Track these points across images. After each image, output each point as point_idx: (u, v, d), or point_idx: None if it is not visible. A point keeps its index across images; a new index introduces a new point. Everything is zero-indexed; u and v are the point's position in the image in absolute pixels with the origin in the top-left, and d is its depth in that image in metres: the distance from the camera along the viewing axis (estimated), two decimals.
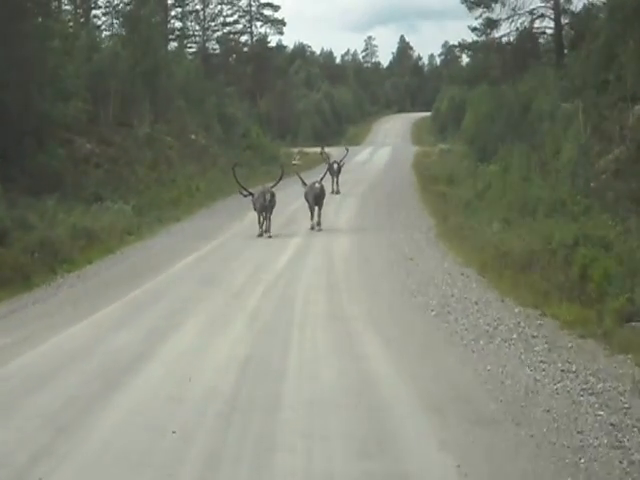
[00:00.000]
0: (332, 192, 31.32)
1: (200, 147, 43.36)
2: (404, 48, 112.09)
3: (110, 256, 19.72)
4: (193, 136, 44.07)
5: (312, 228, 23.45)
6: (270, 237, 22.06)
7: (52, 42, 30.34)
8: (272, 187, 23.00)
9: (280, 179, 23.94)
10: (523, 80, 37.99)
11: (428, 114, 79.61)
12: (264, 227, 22.42)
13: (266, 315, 12.88)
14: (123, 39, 41.84)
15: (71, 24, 42.07)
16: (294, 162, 26.73)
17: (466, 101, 50.54)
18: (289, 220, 25.62)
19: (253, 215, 24.02)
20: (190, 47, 58.65)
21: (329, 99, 69.31)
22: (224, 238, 22.46)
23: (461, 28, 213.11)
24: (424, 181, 35.84)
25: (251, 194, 23.10)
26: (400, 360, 10.19)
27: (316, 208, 23.58)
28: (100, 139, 34.02)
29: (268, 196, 22.43)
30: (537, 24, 37.15)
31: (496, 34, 37.70)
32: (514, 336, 11.20)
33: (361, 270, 17.15)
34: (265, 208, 22.40)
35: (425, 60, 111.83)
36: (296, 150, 29.21)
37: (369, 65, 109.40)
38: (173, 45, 54.68)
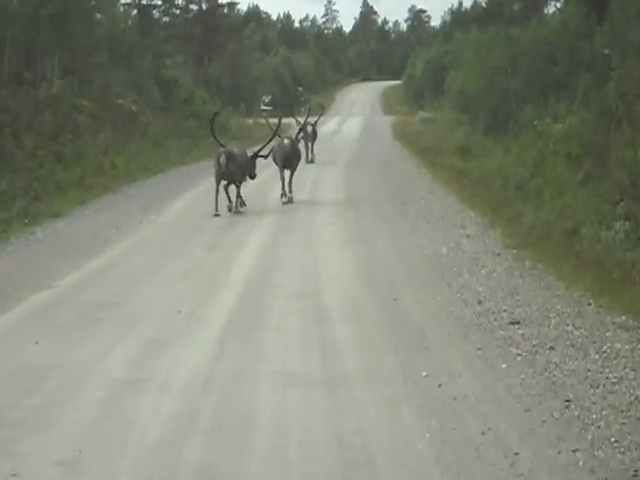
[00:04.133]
0: (306, 161, 22.86)
1: (128, 114, 32.54)
2: (367, 13, 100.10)
3: None
4: (120, 100, 33.37)
5: (283, 200, 16.14)
6: (239, 212, 14.92)
7: None
8: (264, 146, 15.93)
9: (275, 134, 16.18)
10: (543, 21, 28.50)
11: (398, 82, 68.82)
12: (233, 202, 14.99)
13: None
14: None
15: None
16: (263, 107, 16.64)
17: (454, 59, 40.46)
18: (239, 218, 14.88)
19: (177, 206, 15.09)
20: None
21: (288, 65, 57.99)
22: (117, 251, 11.67)
23: None
24: (423, 154, 25.25)
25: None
26: None
27: (287, 173, 16.28)
28: None
29: (223, 159, 14.73)
30: None
31: None
32: None
33: (409, 376, 6.56)
34: (222, 175, 14.83)
35: (390, 26, 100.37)
36: (265, 98, 18.95)
37: (330, 32, 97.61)
38: None
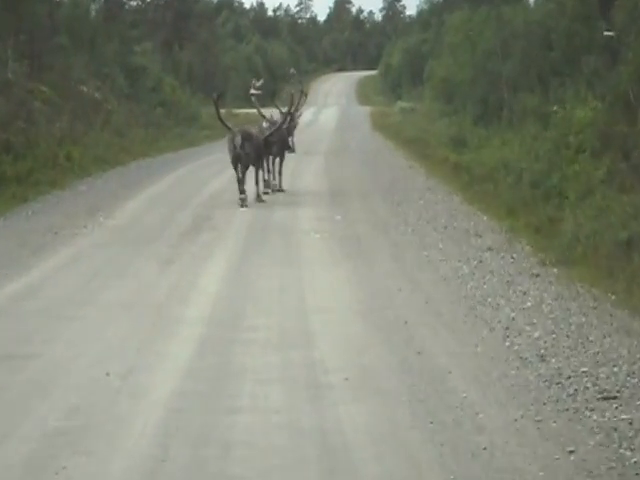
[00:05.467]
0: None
1: (91, 101, 29.77)
2: (342, 2, 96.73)
3: None
4: (84, 87, 30.61)
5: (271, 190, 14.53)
6: (262, 200, 13.38)
7: None
8: (276, 129, 14.53)
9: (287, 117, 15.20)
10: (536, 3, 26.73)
11: (373, 72, 66.11)
12: (257, 189, 13.57)
13: None
14: None
15: None
16: (252, 92, 16.75)
17: (434, 46, 38.19)
18: (204, 223, 12.10)
19: (132, 206, 12.66)
20: None
21: (262, 53, 55.05)
22: (47, 268, 9.00)
23: None
24: (409, 145, 22.71)
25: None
26: None
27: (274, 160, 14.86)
28: None
29: (238, 139, 13.13)
30: None
31: None
32: None
33: None
34: (238, 159, 13.09)
35: (365, 15, 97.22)
36: (257, 82, 16.15)
37: (304, 21, 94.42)
38: None
